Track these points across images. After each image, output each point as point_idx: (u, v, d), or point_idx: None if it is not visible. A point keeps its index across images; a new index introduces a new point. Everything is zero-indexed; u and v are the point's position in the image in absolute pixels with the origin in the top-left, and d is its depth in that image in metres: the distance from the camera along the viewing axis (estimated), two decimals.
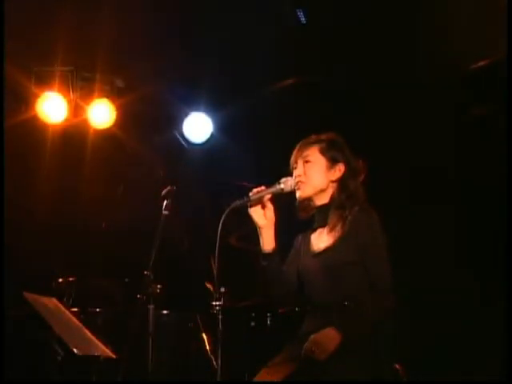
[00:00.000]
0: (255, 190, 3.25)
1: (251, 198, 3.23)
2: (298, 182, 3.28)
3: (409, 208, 4.92)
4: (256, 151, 5.55)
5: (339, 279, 3.15)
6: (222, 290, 3.11)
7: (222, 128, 5.73)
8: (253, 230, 3.37)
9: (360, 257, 3.13)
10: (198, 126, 5.73)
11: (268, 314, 4.64)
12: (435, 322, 4.80)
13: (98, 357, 3.81)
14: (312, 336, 3.01)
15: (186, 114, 5.72)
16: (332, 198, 3.28)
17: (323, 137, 3.35)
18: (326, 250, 3.21)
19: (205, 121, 5.71)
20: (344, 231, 3.18)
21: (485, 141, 4.93)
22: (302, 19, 4.76)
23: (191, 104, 5.69)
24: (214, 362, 4.30)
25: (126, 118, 5.69)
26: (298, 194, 3.30)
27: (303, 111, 5.32)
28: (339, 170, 3.28)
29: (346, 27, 4.75)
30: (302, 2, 4.66)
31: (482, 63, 4.90)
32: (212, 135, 5.74)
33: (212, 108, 5.69)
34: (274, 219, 3.29)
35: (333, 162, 3.29)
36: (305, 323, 3.27)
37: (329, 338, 2.99)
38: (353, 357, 3.00)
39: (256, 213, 3.28)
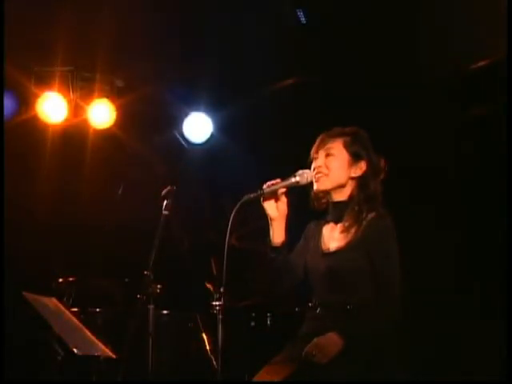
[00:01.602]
0: (270, 183, 3.19)
1: (265, 191, 3.19)
2: (317, 174, 3.22)
3: (409, 208, 4.92)
4: (256, 151, 5.55)
5: (345, 283, 3.12)
6: (222, 289, 3.11)
7: (222, 128, 5.74)
8: (253, 230, 3.36)
9: (370, 263, 3.10)
10: (198, 126, 5.73)
11: (268, 314, 4.64)
12: (435, 322, 4.80)
13: (98, 357, 3.81)
14: (315, 339, 3.00)
15: (186, 114, 5.72)
16: (351, 197, 3.22)
17: (347, 130, 3.28)
18: (336, 252, 3.17)
19: (205, 121, 5.71)
20: (357, 235, 3.14)
21: (485, 141, 4.93)
22: (302, 19, 4.76)
23: (191, 104, 5.70)
24: (214, 362, 4.30)
25: (125, 117, 5.69)
26: (315, 186, 3.23)
27: (303, 111, 5.32)
28: (361, 167, 3.22)
29: (346, 27, 4.75)
30: (301, 2, 4.66)
31: (481, 63, 4.90)
32: (212, 135, 5.74)
33: (212, 108, 5.69)
34: (286, 212, 3.24)
35: (356, 158, 3.22)
36: (305, 323, 3.27)
37: (331, 342, 2.97)
38: (353, 357, 2.99)
39: (269, 205, 3.23)
